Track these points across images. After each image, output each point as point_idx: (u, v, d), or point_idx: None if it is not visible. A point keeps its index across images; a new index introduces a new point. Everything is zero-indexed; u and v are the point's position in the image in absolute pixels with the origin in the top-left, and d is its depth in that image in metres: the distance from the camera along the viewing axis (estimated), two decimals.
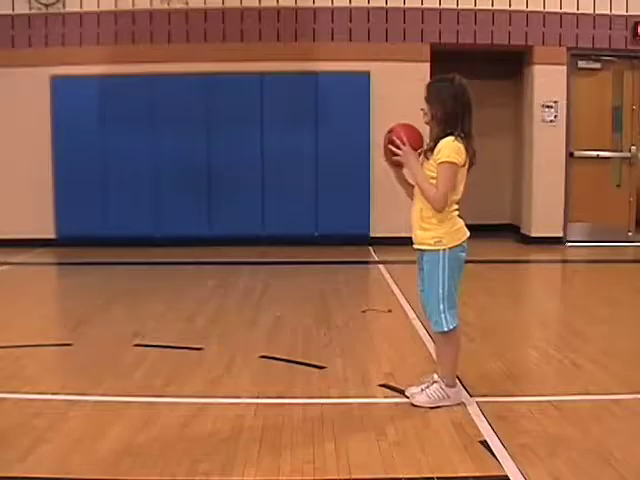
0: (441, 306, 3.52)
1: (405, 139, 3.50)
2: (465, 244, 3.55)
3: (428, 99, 3.54)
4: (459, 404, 3.61)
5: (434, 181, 3.46)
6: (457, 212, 3.56)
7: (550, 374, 4.28)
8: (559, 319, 6.06)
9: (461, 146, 3.42)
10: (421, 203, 3.52)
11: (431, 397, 3.59)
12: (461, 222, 3.57)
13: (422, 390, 3.63)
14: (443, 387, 3.60)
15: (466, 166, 3.48)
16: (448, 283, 3.51)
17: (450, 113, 3.45)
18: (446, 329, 3.54)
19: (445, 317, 3.53)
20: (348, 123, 9.31)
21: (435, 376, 3.66)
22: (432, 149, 3.48)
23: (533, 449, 3.07)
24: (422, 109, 3.55)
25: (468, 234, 3.58)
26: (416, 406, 3.58)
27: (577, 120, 9.71)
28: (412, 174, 3.53)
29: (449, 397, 3.60)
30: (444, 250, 3.49)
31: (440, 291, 3.51)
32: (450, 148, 3.41)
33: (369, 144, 9.22)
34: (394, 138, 3.53)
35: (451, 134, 3.43)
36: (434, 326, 3.60)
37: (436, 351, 3.78)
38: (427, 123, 3.56)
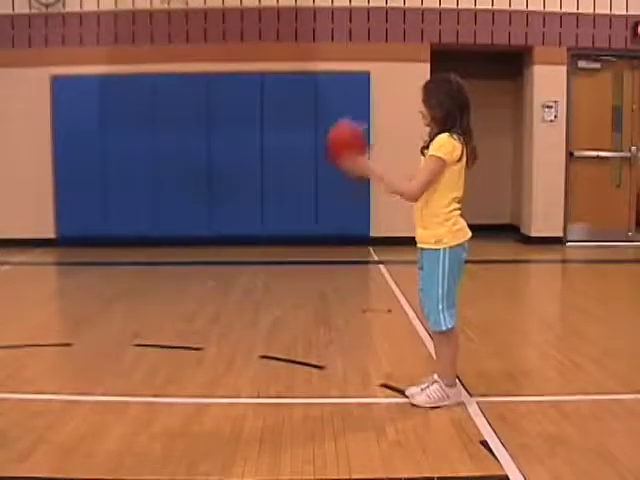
0: (440, 305, 3.51)
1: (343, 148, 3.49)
2: (466, 244, 3.54)
3: (425, 101, 3.53)
4: (459, 404, 3.61)
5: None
6: (459, 211, 3.55)
7: (550, 374, 4.28)
8: (559, 319, 6.06)
9: (456, 142, 3.40)
10: (422, 202, 3.51)
11: (431, 397, 3.59)
12: (463, 222, 3.56)
13: (422, 390, 3.63)
14: (443, 387, 3.60)
15: (463, 161, 3.45)
16: (448, 282, 3.50)
17: (448, 113, 3.44)
18: (444, 328, 3.53)
19: (444, 316, 3.52)
20: None
21: (435, 376, 3.65)
22: (428, 146, 3.47)
23: (533, 449, 3.07)
24: (420, 112, 3.54)
25: (470, 234, 3.56)
26: (416, 406, 3.58)
27: (577, 120, 9.71)
28: (375, 179, 3.50)
29: (449, 397, 3.60)
30: (444, 249, 3.48)
31: (439, 290, 3.50)
32: (442, 143, 3.40)
33: (369, 144, 9.21)
34: (334, 154, 3.50)
35: (448, 131, 3.42)
36: (432, 325, 3.59)
37: (435, 351, 3.77)
38: (427, 125, 3.54)
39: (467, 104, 3.49)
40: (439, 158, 3.39)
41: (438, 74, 3.62)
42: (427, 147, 3.48)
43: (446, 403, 3.58)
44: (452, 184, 3.46)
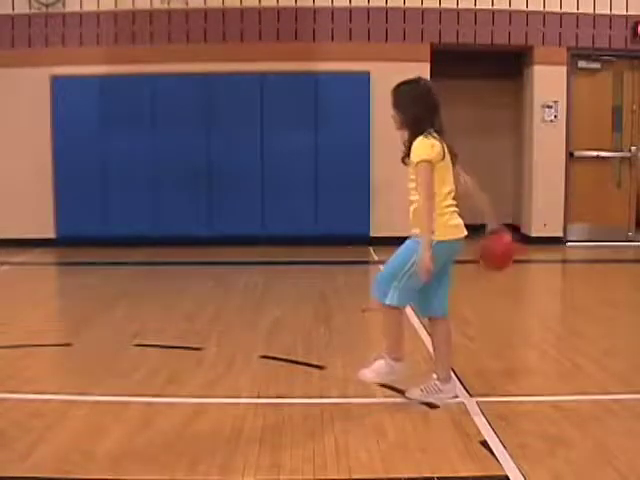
0: (395, 282, 3.48)
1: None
2: (456, 244, 3.49)
3: (395, 105, 3.54)
4: (459, 404, 3.61)
5: (414, 184, 3.46)
6: (453, 208, 3.53)
7: (550, 374, 4.28)
8: (559, 319, 6.06)
9: (434, 141, 3.41)
10: (415, 204, 3.50)
11: (423, 391, 3.64)
12: (458, 220, 3.54)
13: (422, 390, 3.67)
14: (438, 384, 3.64)
15: (447, 159, 3.46)
16: (413, 272, 3.44)
17: (418, 116, 3.46)
18: (387, 302, 3.50)
19: (392, 293, 3.48)
20: (348, 123, 9.31)
21: (434, 376, 3.68)
22: (408, 154, 3.48)
23: (533, 449, 3.07)
24: (392, 116, 3.56)
25: (464, 234, 3.54)
26: (409, 399, 3.64)
27: (577, 120, 9.71)
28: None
29: (442, 391, 3.63)
30: (432, 241, 3.44)
31: (402, 272, 3.46)
32: (421, 147, 3.41)
33: (369, 144, 9.23)
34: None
35: (421, 134, 3.43)
36: (376, 292, 3.55)
37: (433, 347, 3.77)
38: (399, 129, 3.55)
39: (437, 105, 3.50)
40: (425, 161, 3.40)
41: (407, 78, 3.62)
42: (407, 156, 3.49)
43: (441, 396, 3.61)
44: (442, 180, 3.46)
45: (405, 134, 3.52)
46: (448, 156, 3.47)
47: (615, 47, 9.50)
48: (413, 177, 3.48)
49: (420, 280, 3.45)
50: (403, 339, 3.66)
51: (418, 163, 3.40)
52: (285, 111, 9.37)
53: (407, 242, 3.56)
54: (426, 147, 3.40)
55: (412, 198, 3.52)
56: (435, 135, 3.43)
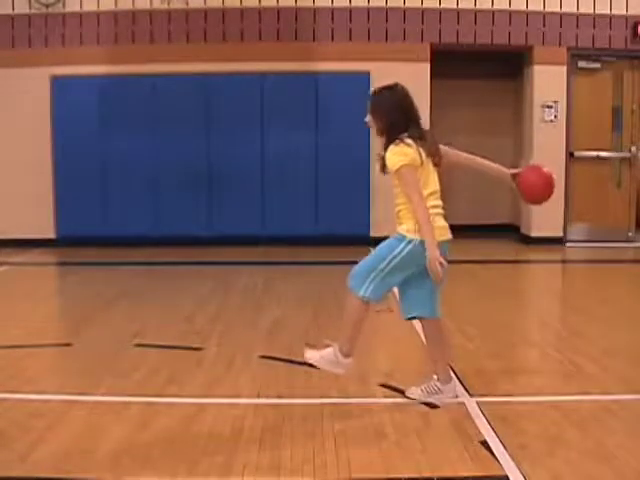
0: (373, 274, 3.49)
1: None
2: (440, 246, 3.41)
3: (372, 111, 3.56)
4: (459, 404, 3.61)
5: (398, 189, 3.48)
6: (437, 210, 3.52)
7: (550, 374, 4.28)
8: (559, 319, 6.06)
9: (406, 149, 3.41)
10: (401, 205, 3.52)
11: (424, 391, 3.65)
12: (443, 222, 3.54)
13: (422, 390, 3.68)
14: (438, 384, 3.65)
15: (424, 165, 3.44)
16: (391, 268, 3.46)
17: (394, 122, 3.47)
18: (361, 293, 3.50)
19: (368, 285, 3.49)
20: (348, 123, 9.26)
21: (435, 377, 3.68)
22: (385, 163, 3.49)
23: (533, 449, 3.07)
24: (367, 122, 3.57)
25: (447, 237, 3.52)
26: (410, 398, 3.64)
27: (577, 120, 9.70)
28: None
29: (442, 391, 3.64)
30: (410, 240, 3.45)
31: (379, 266, 3.48)
32: (393, 156, 3.42)
33: (369, 144, 9.21)
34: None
35: (395, 140, 3.44)
36: (352, 283, 3.55)
37: (428, 349, 3.77)
38: (377, 134, 3.56)
39: (413, 111, 3.51)
40: (403, 167, 3.40)
41: (384, 84, 3.62)
42: (384, 164, 3.49)
43: (441, 396, 3.62)
44: (424, 183, 3.45)
45: (382, 139, 3.53)
46: (427, 160, 3.46)
47: (615, 47, 9.50)
48: (396, 183, 3.50)
49: (402, 269, 3.46)
50: (358, 337, 3.62)
51: (397, 171, 3.42)
52: (285, 111, 9.37)
53: (390, 238, 3.56)
54: (399, 154, 3.41)
55: (397, 201, 3.54)
56: (408, 142, 3.42)
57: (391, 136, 3.47)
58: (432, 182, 3.51)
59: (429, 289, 3.57)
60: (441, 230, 3.50)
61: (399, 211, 3.54)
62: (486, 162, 3.78)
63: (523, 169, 3.71)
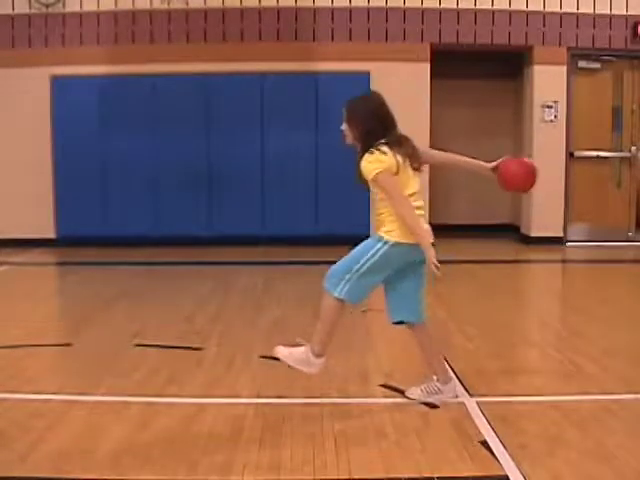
0: (348, 275, 3.49)
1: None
2: (418, 248, 3.39)
3: (348, 120, 3.55)
4: (459, 404, 3.61)
5: (379, 196, 3.48)
6: (420, 212, 3.49)
7: (550, 374, 4.28)
8: (559, 319, 6.06)
9: (379, 155, 3.39)
10: (381, 207, 3.51)
11: (424, 391, 3.66)
12: (425, 225, 3.50)
13: (422, 390, 3.68)
14: (438, 384, 3.65)
15: (401, 172, 3.42)
16: (366, 269, 3.45)
17: (369, 130, 3.47)
18: (336, 294, 3.51)
19: (343, 286, 3.49)
20: None
21: (435, 377, 3.68)
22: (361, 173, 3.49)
23: (533, 449, 3.07)
24: (343, 131, 3.57)
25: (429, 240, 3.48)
26: (410, 398, 3.65)
27: (577, 120, 9.70)
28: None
29: (442, 391, 3.64)
30: (387, 242, 3.44)
31: (355, 266, 3.47)
32: (368, 165, 3.42)
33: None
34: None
35: (370, 148, 3.44)
36: (327, 283, 3.56)
37: (422, 354, 3.77)
38: (351, 143, 3.56)
39: (389, 118, 3.51)
40: (379, 174, 3.39)
41: (360, 94, 3.65)
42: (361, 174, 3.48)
43: (440, 396, 3.62)
44: (403, 185, 3.44)
45: (357, 148, 3.53)
46: (405, 165, 3.43)
47: (615, 47, 9.50)
48: (376, 191, 3.50)
49: (378, 271, 3.45)
50: (331, 338, 3.60)
51: (373, 179, 3.42)
52: (285, 111, 9.37)
53: (368, 239, 3.56)
54: (374, 162, 3.40)
55: (378, 209, 3.53)
56: (384, 149, 3.41)
57: (367, 144, 3.46)
58: (412, 184, 3.48)
59: (412, 291, 3.58)
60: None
61: (380, 214, 3.52)
62: (467, 159, 3.77)
63: (502, 160, 3.69)
